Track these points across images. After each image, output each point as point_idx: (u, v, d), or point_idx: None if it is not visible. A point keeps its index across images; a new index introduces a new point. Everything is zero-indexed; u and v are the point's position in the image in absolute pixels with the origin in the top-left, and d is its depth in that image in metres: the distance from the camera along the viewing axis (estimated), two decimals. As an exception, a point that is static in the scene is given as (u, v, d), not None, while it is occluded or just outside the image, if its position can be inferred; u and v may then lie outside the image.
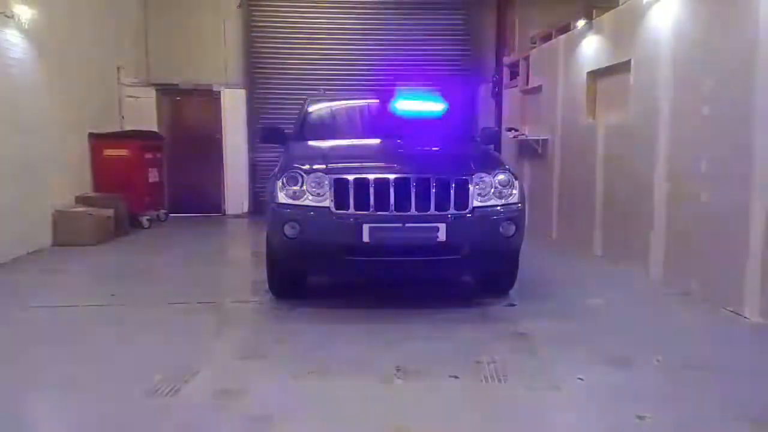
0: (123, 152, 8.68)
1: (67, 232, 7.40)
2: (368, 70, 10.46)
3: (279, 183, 4.47)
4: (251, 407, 3.02)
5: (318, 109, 6.17)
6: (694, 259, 5.06)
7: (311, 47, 10.52)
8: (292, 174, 4.46)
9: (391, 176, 4.34)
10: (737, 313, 4.52)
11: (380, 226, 4.28)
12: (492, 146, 6.01)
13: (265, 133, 5.86)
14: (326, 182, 4.37)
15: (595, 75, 7.00)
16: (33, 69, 7.11)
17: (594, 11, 6.86)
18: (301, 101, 6.46)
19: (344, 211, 4.32)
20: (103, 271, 6.20)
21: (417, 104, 6.03)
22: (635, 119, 6.02)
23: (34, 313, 4.68)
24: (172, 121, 10.67)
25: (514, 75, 9.86)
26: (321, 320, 4.44)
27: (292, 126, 6.10)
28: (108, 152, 8.66)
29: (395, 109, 5.97)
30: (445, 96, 6.34)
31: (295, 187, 4.42)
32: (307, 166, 4.51)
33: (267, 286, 5.03)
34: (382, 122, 6.07)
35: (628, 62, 6.12)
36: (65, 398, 3.20)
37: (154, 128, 10.14)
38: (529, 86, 9.00)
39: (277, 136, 5.77)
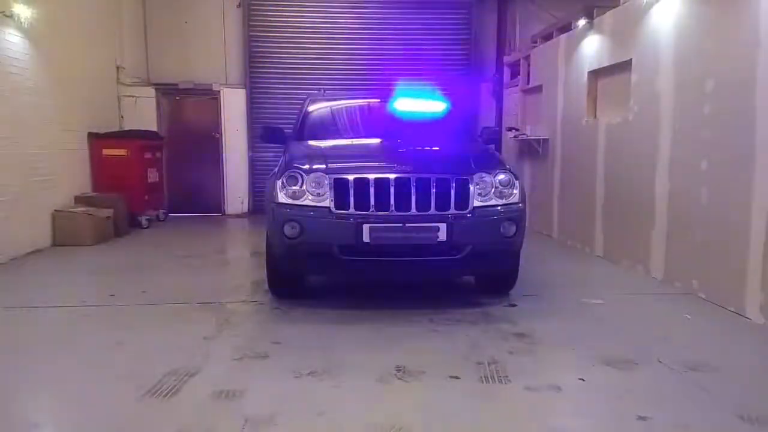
0: (122, 152, 8.68)
1: (66, 232, 7.40)
2: (368, 69, 10.45)
3: (279, 183, 4.46)
4: (251, 407, 3.01)
5: (318, 108, 6.16)
6: (695, 258, 5.05)
7: (311, 46, 10.51)
8: (292, 174, 4.44)
9: (392, 176, 4.32)
10: (739, 313, 4.51)
11: (380, 226, 4.27)
12: (492, 146, 5.99)
13: (265, 133, 5.85)
14: (326, 182, 4.35)
15: (596, 74, 6.99)
16: (32, 69, 7.10)
17: (595, 10, 6.85)
18: (301, 101, 6.45)
19: (344, 211, 4.31)
20: (102, 271, 6.18)
21: (417, 103, 6.01)
22: (636, 119, 6.01)
23: (33, 313, 4.67)
24: (172, 120, 10.66)
25: (514, 74, 9.87)
26: (321, 320, 4.43)
27: (292, 126, 6.09)
28: (107, 152, 8.66)
29: (395, 108, 5.95)
30: (446, 95, 6.33)
31: (294, 187, 4.40)
32: (307, 166, 4.49)
33: (267, 286, 5.03)
34: (382, 122, 6.06)
35: (629, 62, 6.11)
36: (64, 399, 3.19)
37: (154, 128, 10.14)
38: (530, 86, 9.00)
39: (277, 135, 5.75)
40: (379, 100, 6.44)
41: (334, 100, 6.46)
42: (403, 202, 4.30)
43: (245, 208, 10.82)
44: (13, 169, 6.66)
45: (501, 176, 4.53)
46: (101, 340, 4.02)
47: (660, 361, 3.61)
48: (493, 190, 4.49)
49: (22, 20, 6.74)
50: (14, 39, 6.74)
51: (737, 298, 4.55)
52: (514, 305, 4.83)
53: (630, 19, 6.10)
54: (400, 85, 6.05)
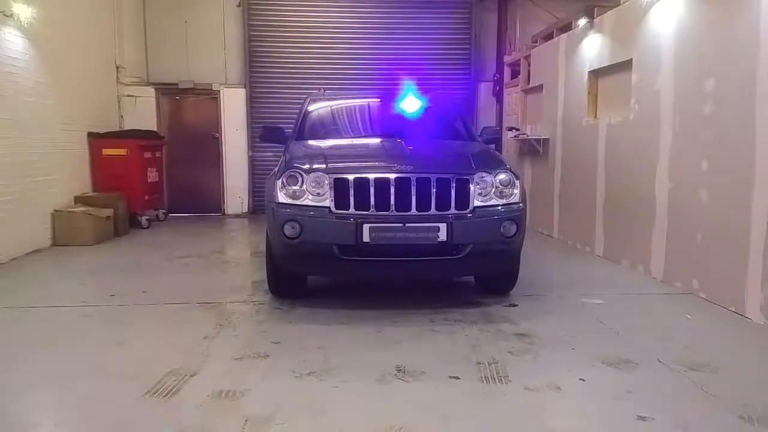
0: (122, 152, 8.68)
1: (66, 232, 7.40)
2: (368, 68, 10.46)
3: (279, 182, 4.45)
4: (251, 407, 3.01)
5: (318, 108, 6.16)
6: (696, 258, 5.05)
7: (311, 46, 10.52)
8: (292, 173, 4.44)
9: (392, 176, 4.32)
10: (739, 313, 4.51)
11: (381, 225, 4.26)
12: (493, 146, 5.99)
13: (265, 133, 5.84)
14: (326, 182, 4.35)
15: (597, 74, 6.99)
16: (32, 68, 7.10)
17: (595, 10, 6.85)
18: (301, 100, 6.45)
19: (344, 211, 4.31)
20: (102, 271, 6.18)
21: (417, 103, 6.00)
22: (637, 118, 6.00)
23: (32, 313, 4.67)
24: (172, 120, 10.67)
25: (515, 74, 9.87)
26: (321, 320, 4.43)
27: (291, 125, 6.09)
28: (107, 152, 8.66)
29: (396, 107, 5.95)
30: (446, 95, 6.33)
31: (294, 187, 4.40)
32: (306, 166, 4.49)
33: (267, 286, 5.03)
34: (382, 121, 6.06)
35: (630, 61, 6.10)
36: (64, 399, 3.18)
37: (154, 128, 10.16)
38: (530, 85, 9.00)
39: (277, 135, 5.75)
40: (379, 100, 6.44)
41: (334, 99, 6.46)
42: (403, 202, 4.30)
43: (245, 208, 10.83)
44: (13, 169, 6.66)
45: (501, 176, 4.53)
46: (101, 340, 4.02)
47: (660, 361, 3.61)
48: (493, 189, 4.48)
49: (22, 20, 6.74)
50: (14, 39, 6.74)
51: (737, 298, 4.54)
52: (514, 305, 4.83)
53: (630, 19, 6.10)
54: (401, 85, 6.05)
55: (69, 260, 6.64)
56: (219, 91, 10.53)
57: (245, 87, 10.54)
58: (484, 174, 4.48)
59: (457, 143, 5.63)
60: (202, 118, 10.73)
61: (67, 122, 7.96)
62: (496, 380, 3.35)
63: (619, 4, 6.46)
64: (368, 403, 3.09)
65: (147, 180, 9.11)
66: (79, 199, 8.05)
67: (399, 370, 3.46)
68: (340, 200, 4.32)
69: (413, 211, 4.30)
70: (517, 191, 4.56)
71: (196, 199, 10.70)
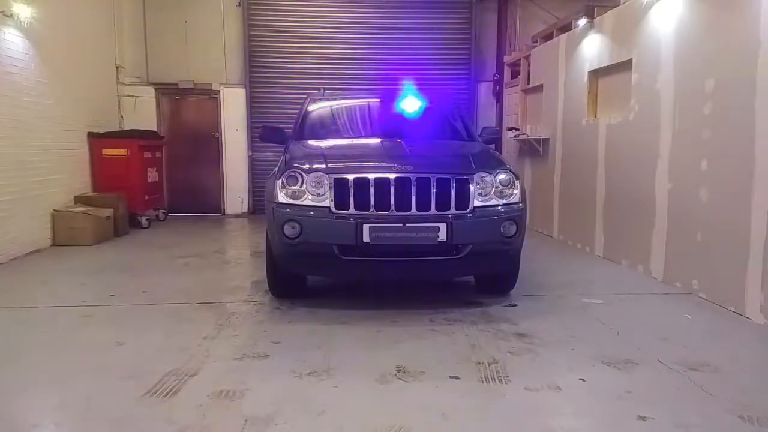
0: (122, 152, 8.69)
1: (66, 232, 7.41)
2: (368, 68, 10.46)
3: (279, 182, 4.45)
4: (251, 407, 3.01)
5: (318, 108, 6.15)
6: (695, 258, 5.05)
7: (311, 46, 10.52)
8: (292, 173, 4.44)
9: (392, 176, 4.32)
10: (739, 313, 4.51)
11: (381, 225, 4.26)
12: (493, 146, 5.99)
13: (265, 133, 5.84)
14: (326, 182, 4.35)
15: (597, 74, 6.99)
16: (32, 68, 7.10)
17: (595, 10, 6.85)
18: (301, 100, 6.44)
19: (344, 211, 4.31)
20: (102, 271, 6.18)
21: (417, 103, 6.00)
22: (636, 118, 6.01)
23: (32, 313, 4.67)
24: (172, 120, 10.67)
25: (515, 74, 9.88)
26: (321, 320, 4.43)
27: (291, 125, 6.09)
28: (107, 152, 8.67)
29: (395, 107, 5.95)
30: (446, 95, 6.32)
31: (294, 187, 4.40)
32: (306, 166, 4.49)
33: (267, 286, 5.03)
34: (382, 121, 6.06)
35: (630, 61, 6.11)
36: (64, 399, 3.18)
37: (154, 128, 10.16)
38: (530, 85, 9.00)
39: (277, 135, 5.75)
40: (379, 100, 6.44)
41: (334, 99, 6.45)
42: (403, 202, 4.29)
43: (245, 208, 10.83)
44: (13, 169, 6.66)
45: (501, 176, 4.53)
46: (101, 340, 4.02)
47: (660, 361, 3.61)
48: (493, 189, 4.48)
49: (22, 20, 6.74)
50: (14, 39, 6.74)
51: (737, 298, 4.55)
52: (514, 305, 4.83)
53: (630, 19, 6.10)
54: (401, 85, 6.05)
55: (69, 260, 6.64)
56: (219, 91, 10.53)
57: (245, 87, 10.54)
58: (484, 174, 4.48)
59: (457, 143, 5.63)
60: (202, 118, 10.73)
61: (67, 122, 7.96)
62: (496, 380, 3.35)
63: (619, 4, 6.46)
64: (368, 402, 3.09)
65: (147, 180, 9.12)
66: (79, 199, 8.05)
67: (399, 370, 3.46)
68: (340, 200, 4.32)
69: (413, 211, 4.30)
70: (517, 191, 4.56)
71: (196, 199, 10.71)
